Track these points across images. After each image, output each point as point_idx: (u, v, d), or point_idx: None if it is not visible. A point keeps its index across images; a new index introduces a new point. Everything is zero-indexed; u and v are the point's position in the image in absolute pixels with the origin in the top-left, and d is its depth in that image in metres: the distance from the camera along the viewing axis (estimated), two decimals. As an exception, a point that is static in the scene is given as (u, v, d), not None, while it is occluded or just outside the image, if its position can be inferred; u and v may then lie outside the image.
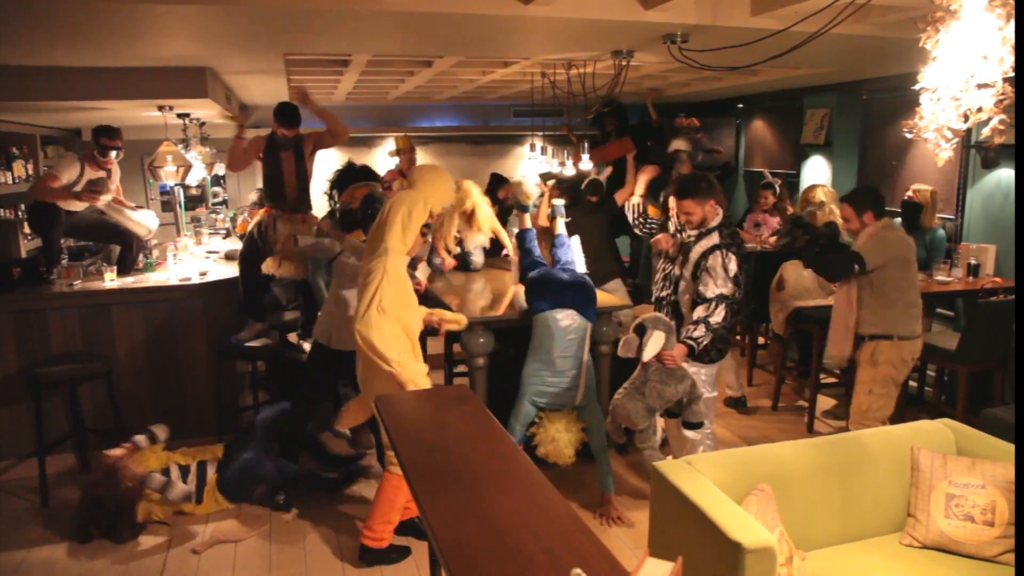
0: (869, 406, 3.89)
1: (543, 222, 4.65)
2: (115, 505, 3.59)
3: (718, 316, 3.41)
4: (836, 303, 4.02)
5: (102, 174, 4.86)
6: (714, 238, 3.51)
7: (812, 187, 5.71)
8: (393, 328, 3.04)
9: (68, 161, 4.82)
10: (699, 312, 3.45)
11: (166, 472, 3.82)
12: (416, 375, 3.07)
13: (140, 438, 3.88)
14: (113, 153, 4.83)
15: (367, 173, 4.99)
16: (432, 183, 3.33)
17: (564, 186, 5.52)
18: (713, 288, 3.43)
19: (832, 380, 5.31)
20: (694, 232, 3.59)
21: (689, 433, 3.56)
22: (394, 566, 3.37)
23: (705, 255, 3.49)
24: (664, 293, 3.74)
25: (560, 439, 3.68)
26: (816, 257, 4.07)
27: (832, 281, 4.02)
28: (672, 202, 4.51)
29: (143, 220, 5.14)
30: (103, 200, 4.80)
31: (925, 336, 4.75)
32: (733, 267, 3.46)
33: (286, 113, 4.50)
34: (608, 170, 5.75)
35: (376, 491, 3.36)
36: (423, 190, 3.26)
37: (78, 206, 4.92)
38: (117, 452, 3.75)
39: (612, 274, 5.35)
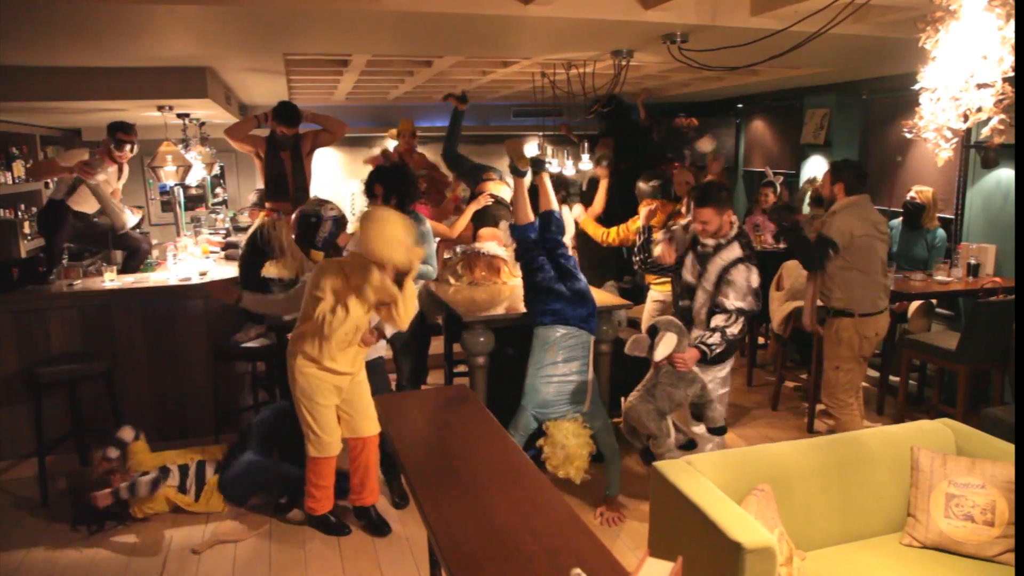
0: (838, 381, 4.09)
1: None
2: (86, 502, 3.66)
3: (735, 328, 3.43)
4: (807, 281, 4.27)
5: (113, 168, 4.99)
6: (736, 250, 3.49)
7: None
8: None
9: (76, 152, 4.93)
10: (718, 320, 3.44)
11: (164, 471, 3.80)
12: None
13: (112, 451, 3.84)
14: (128, 147, 5.00)
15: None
16: (375, 248, 3.08)
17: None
18: (734, 300, 3.44)
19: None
20: (711, 242, 3.54)
21: (718, 439, 3.54)
22: (394, 565, 3.38)
23: (728, 268, 3.48)
24: (682, 303, 3.72)
25: (569, 444, 3.58)
26: (797, 241, 4.21)
27: (811, 269, 4.16)
28: (643, 208, 4.51)
29: (123, 214, 5.24)
30: (97, 178, 4.87)
31: (925, 336, 4.77)
32: (756, 281, 3.48)
33: (286, 112, 4.51)
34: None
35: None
36: (372, 255, 3.10)
37: (85, 206, 4.96)
38: (103, 498, 3.66)
39: (607, 279, 5.42)
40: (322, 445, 3.50)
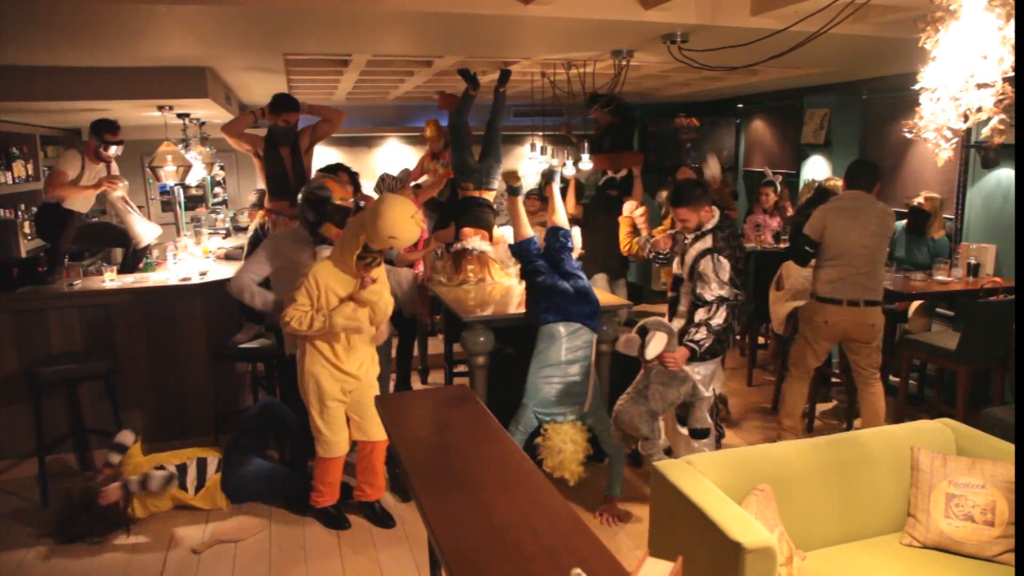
0: (793, 351, 4.43)
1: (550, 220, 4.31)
2: (91, 513, 3.58)
3: (719, 318, 3.48)
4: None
5: (101, 166, 4.99)
6: (707, 242, 3.59)
7: (830, 179, 5.85)
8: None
9: (70, 156, 4.93)
10: (700, 315, 3.52)
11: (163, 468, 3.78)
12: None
13: (115, 457, 3.81)
14: (113, 148, 4.95)
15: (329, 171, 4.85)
16: (373, 217, 3.16)
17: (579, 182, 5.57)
18: (710, 291, 3.51)
19: (834, 380, 5.31)
20: (690, 236, 3.68)
21: (696, 443, 3.56)
22: (394, 565, 3.38)
23: (697, 259, 3.58)
24: (671, 294, 3.86)
25: (566, 450, 3.61)
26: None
27: (800, 264, 4.52)
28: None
29: (143, 230, 5.26)
30: (118, 192, 4.96)
31: (925, 336, 4.77)
32: (725, 272, 3.51)
33: (283, 101, 4.53)
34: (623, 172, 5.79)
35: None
36: (365, 219, 3.22)
37: (86, 205, 4.96)
38: (113, 491, 3.65)
39: (620, 273, 5.53)
40: (329, 445, 3.58)
